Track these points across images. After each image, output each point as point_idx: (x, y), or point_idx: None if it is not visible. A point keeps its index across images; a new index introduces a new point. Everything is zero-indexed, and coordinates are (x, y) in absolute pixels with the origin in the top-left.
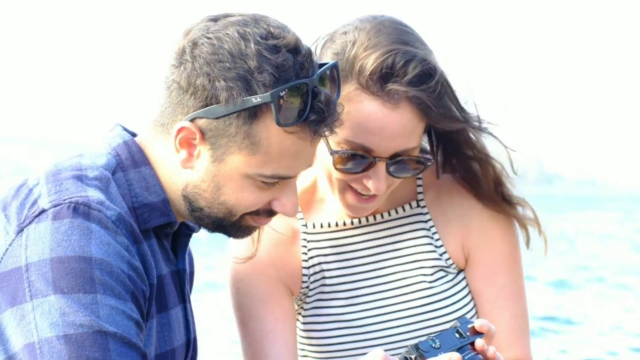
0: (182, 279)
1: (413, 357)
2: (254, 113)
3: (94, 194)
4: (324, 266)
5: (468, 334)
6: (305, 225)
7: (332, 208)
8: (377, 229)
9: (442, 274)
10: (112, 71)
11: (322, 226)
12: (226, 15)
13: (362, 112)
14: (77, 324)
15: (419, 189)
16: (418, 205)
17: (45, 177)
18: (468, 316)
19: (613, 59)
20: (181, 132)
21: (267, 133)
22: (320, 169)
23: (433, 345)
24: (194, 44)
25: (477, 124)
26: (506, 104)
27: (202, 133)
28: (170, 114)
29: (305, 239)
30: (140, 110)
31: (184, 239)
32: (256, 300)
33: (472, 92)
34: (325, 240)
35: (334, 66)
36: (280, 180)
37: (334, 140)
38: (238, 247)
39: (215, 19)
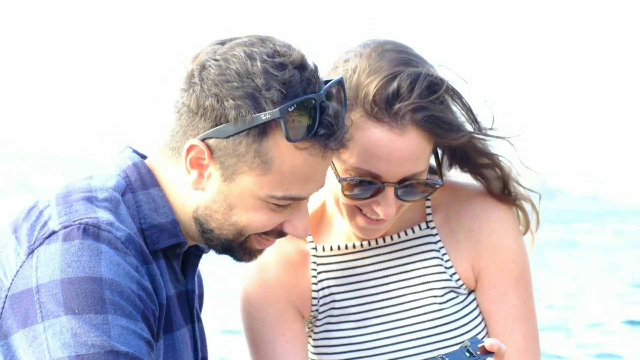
0: (191, 299)
1: None
2: (263, 130)
3: (104, 215)
4: (334, 289)
5: (478, 353)
6: (315, 249)
7: (341, 231)
8: (386, 251)
9: (452, 295)
10: (122, 88)
11: (331, 249)
12: (233, 38)
13: (369, 138)
14: (89, 345)
15: (428, 210)
16: (427, 227)
17: (56, 199)
18: (479, 337)
19: (617, 73)
20: (191, 152)
21: (278, 151)
22: (329, 194)
23: None
24: (202, 67)
25: (483, 130)
26: (511, 109)
27: (211, 152)
28: (181, 137)
29: (314, 262)
30: (149, 127)
31: (193, 260)
32: (267, 324)
33: (479, 98)
34: (334, 263)
35: (340, 82)
36: (293, 202)
37: (342, 167)
38: (250, 273)
39: (222, 42)
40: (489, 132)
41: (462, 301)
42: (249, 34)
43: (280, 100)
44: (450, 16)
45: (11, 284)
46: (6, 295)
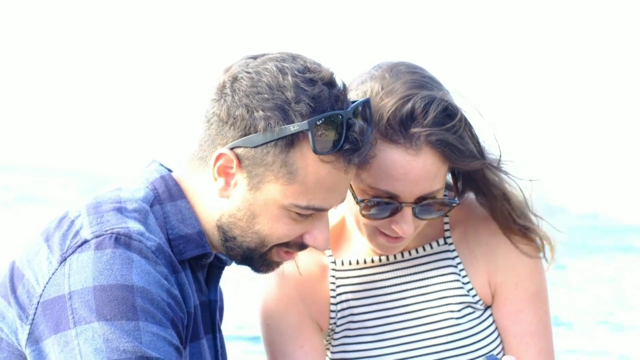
0: (213, 309)
1: None
2: (291, 141)
3: (134, 226)
4: (352, 302)
5: None
6: (334, 262)
7: (360, 245)
8: (404, 266)
9: (469, 310)
10: (122, 97)
11: (350, 263)
12: (264, 54)
13: (385, 160)
14: (120, 350)
15: (446, 227)
16: (445, 243)
17: (87, 209)
18: (494, 352)
19: (618, 91)
20: (220, 160)
21: (304, 162)
22: (348, 212)
23: None
24: (234, 79)
25: (494, 162)
26: (497, 124)
27: (240, 161)
28: (210, 146)
29: (333, 276)
30: (151, 136)
31: (216, 272)
32: (286, 336)
33: (490, 130)
34: (353, 277)
35: (367, 102)
36: (314, 213)
37: (360, 188)
38: (269, 285)
39: (254, 57)
40: (502, 168)
41: (478, 316)
42: (281, 50)
43: (309, 113)
44: (447, 21)
45: (43, 290)
46: (38, 302)
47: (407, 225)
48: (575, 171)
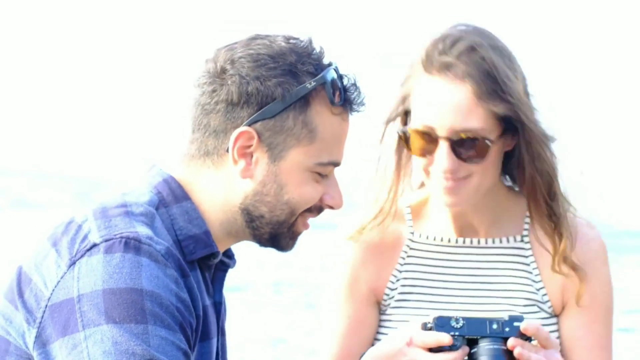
0: (219, 311)
1: (429, 325)
2: (307, 101)
3: (143, 230)
4: (416, 275)
5: (507, 329)
6: (412, 233)
7: (441, 223)
8: (477, 253)
9: (535, 308)
10: (115, 102)
11: (427, 237)
12: (236, 41)
13: (422, 91)
14: (129, 353)
15: (526, 226)
16: (522, 241)
17: (93, 214)
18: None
19: (618, 95)
20: (239, 140)
21: (321, 118)
22: (419, 171)
23: (454, 324)
24: (232, 61)
25: (547, 136)
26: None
27: (259, 136)
28: (217, 136)
29: (408, 245)
30: (147, 140)
31: (220, 274)
32: (341, 300)
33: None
34: (426, 251)
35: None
36: (330, 172)
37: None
38: (348, 249)
39: (231, 45)
40: (553, 140)
41: (543, 318)
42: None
43: (314, 71)
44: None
45: (52, 294)
46: (46, 305)
47: (447, 160)
48: (576, 177)
